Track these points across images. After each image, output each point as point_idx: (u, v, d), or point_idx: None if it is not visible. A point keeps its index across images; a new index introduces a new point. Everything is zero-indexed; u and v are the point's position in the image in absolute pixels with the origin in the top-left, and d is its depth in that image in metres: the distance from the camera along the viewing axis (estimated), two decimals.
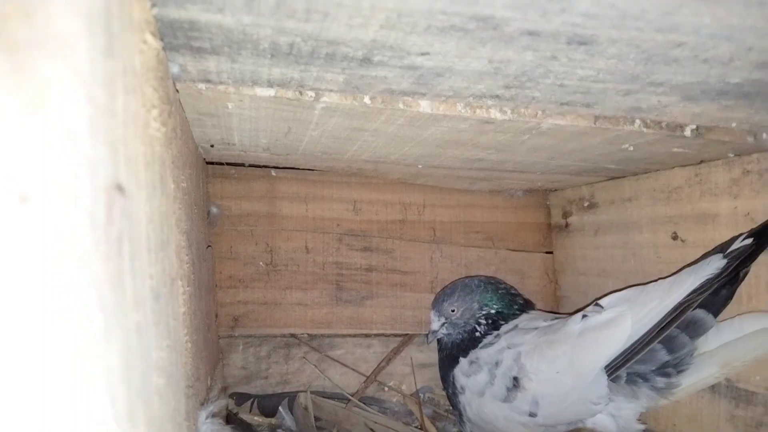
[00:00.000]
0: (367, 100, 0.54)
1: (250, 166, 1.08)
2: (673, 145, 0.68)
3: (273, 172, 1.10)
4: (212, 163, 1.03)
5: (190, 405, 0.47)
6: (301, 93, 0.52)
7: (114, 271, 0.24)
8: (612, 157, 0.76)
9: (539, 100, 0.54)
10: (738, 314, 0.72)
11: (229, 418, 1.00)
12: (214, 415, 0.59)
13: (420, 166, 0.89)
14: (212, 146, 0.77)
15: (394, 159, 0.84)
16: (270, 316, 1.11)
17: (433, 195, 1.17)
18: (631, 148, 0.69)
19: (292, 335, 1.12)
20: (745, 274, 0.69)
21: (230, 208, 1.08)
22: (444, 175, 1.01)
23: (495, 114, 0.58)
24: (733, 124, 0.58)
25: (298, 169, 1.09)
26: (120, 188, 0.25)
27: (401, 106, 0.55)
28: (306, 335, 1.13)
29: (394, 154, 0.80)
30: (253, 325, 1.10)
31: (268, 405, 1.09)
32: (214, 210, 1.06)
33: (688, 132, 0.61)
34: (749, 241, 0.66)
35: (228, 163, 1.06)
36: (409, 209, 1.16)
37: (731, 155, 0.73)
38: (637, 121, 0.59)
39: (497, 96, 0.52)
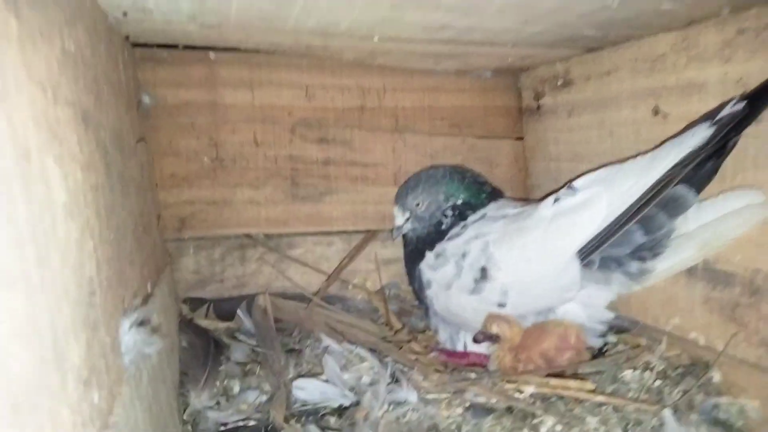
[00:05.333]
0: None
1: (186, 48, 0.95)
2: None
3: (212, 55, 0.98)
4: (140, 45, 0.90)
5: (96, 314, 0.39)
6: None
7: None
8: (592, 19, 0.66)
9: None
10: (721, 191, 0.66)
11: (183, 325, 0.94)
12: (142, 323, 0.52)
13: (376, 39, 0.79)
14: (125, 14, 0.65)
15: (344, 28, 0.73)
16: (220, 216, 1.03)
17: (394, 78, 1.06)
18: (615, 5, 0.59)
19: (247, 236, 1.05)
20: (734, 144, 0.63)
21: (165, 97, 0.97)
22: (405, 53, 0.90)
23: None
24: None
25: (241, 50, 0.96)
26: None
27: None
28: (262, 235, 1.06)
29: (344, 20, 0.69)
30: (202, 227, 1.02)
31: (224, 309, 1.04)
32: (146, 99, 0.94)
33: None
34: (742, 105, 0.59)
35: (158, 45, 0.93)
36: (368, 95, 1.06)
37: (726, 11, 0.64)
38: None
39: None
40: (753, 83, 0.62)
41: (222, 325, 1.01)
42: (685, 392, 0.70)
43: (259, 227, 1.05)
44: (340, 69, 1.04)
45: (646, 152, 0.70)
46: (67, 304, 0.32)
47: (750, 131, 0.62)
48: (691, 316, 0.74)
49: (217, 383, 0.82)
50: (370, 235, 1.10)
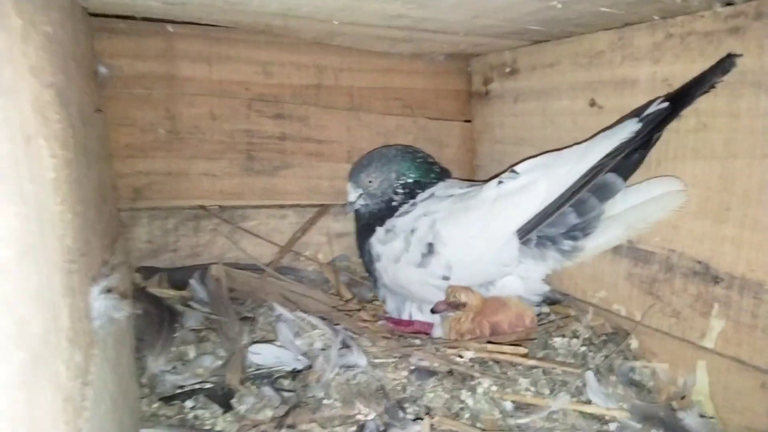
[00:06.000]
0: None
1: (143, 19, 0.95)
2: (602, 3, 0.64)
3: (170, 28, 0.98)
4: (97, 15, 0.89)
5: (74, 281, 0.42)
6: None
7: None
8: (538, 17, 0.72)
9: None
10: (646, 179, 0.74)
11: (137, 293, 0.96)
12: (109, 290, 0.55)
13: (335, 23, 0.81)
14: None
15: (306, 12, 0.75)
16: (175, 188, 1.04)
17: (350, 58, 1.09)
18: (560, 6, 0.64)
19: (201, 207, 1.07)
20: (657, 138, 0.70)
21: (122, 68, 0.96)
22: (362, 35, 0.93)
23: None
24: None
25: (200, 24, 0.97)
26: None
27: None
28: (216, 207, 1.08)
29: (306, 5, 0.72)
30: (157, 197, 1.03)
31: (178, 278, 1.05)
32: (102, 70, 0.94)
33: None
34: (666, 104, 0.66)
35: (116, 15, 0.93)
36: (324, 73, 1.09)
37: (656, 17, 0.70)
38: None
39: None
40: (677, 83, 0.69)
41: (176, 293, 1.04)
42: (606, 357, 0.78)
43: (213, 199, 1.07)
44: (298, 47, 1.05)
45: (581, 142, 0.77)
46: (57, 272, 0.35)
47: (671, 126, 0.70)
48: (614, 290, 0.82)
49: (173, 349, 0.84)
50: (323, 210, 1.14)
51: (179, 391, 0.74)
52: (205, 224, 1.07)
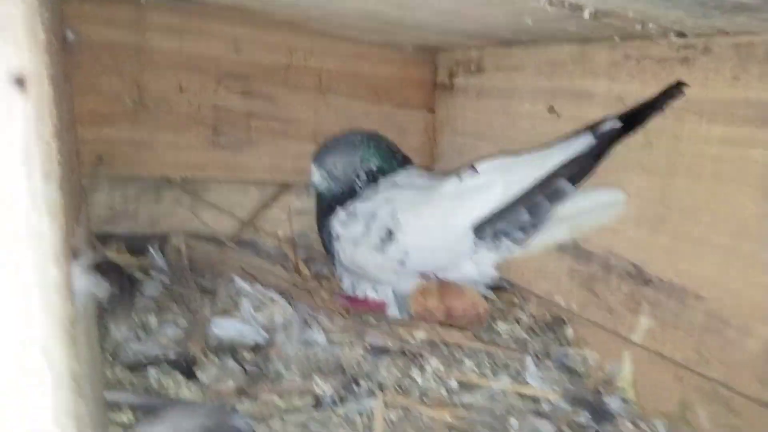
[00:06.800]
0: None
1: None
2: (569, 24, 0.69)
3: None
4: None
5: (61, 254, 0.44)
6: None
7: None
8: (510, 28, 0.76)
9: None
10: (594, 186, 0.81)
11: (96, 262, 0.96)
12: (89, 268, 0.57)
13: (313, 11, 0.83)
14: None
15: (285, 1, 0.77)
16: (139, 157, 1.04)
17: (322, 41, 1.11)
18: (531, 22, 0.69)
19: (164, 178, 1.07)
20: (608, 153, 0.76)
21: (90, 34, 0.95)
22: (336, 23, 0.95)
23: None
24: (630, 14, 0.60)
25: None
26: None
27: None
28: (179, 178, 1.08)
29: None
30: (120, 166, 1.03)
31: (136, 245, 1.06)
32: (70, 35, 0.92)
33: (586, 14, 0.62)
34: (619, 124, 0.72)
35: None
36: (295, 54, 1.10)
37: (617, 39, 0.76)
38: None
39: None
40: (629, 101, 0.75)
41: (134, 260, 1.05)
42: (544, 343, 0.86)
43: (177, 170, 1.07)
44: (270, 26, 1.06)
45: (539, 147, 0.82)
46: (50, 247, 0.38)
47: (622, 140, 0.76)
48: (557, 283, 0.90)
49: (134, 317, 0.86)
50: (285, 187, 1.16)
51: (143, 359, 0.77)
52: (167, 194, 1.08)
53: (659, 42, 0.72)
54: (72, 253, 0.56)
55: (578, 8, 0.62)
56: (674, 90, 0.69)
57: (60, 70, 0.73)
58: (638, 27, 0.66)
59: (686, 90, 0.68)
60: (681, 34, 0.68)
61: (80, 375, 0.46)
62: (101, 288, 0.57)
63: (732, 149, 0.64)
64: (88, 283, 0.55)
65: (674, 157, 0.70)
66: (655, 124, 0.72)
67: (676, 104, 0.69)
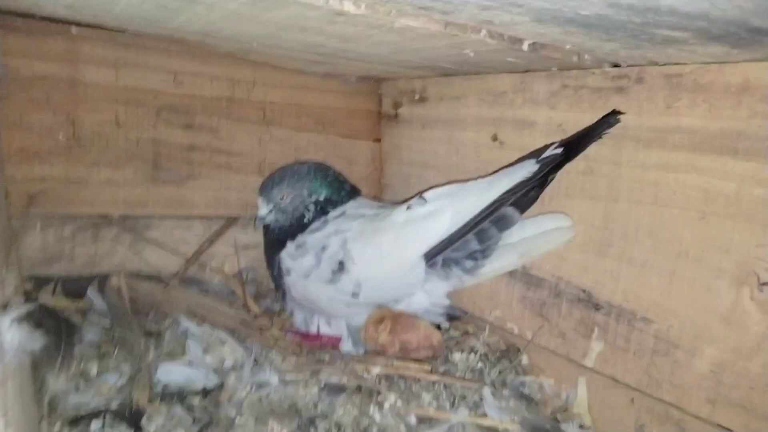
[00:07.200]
0: None
1: (43, 19, 0.90)
2: (509, 56, 0.70)
3: (74, 30, 0.93)
4: None
5: None
6: None
7: None
8: (451, 59, 0.77)
9: (398, 0, 0.51)
10: (540, 213, 0.82)
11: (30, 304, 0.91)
12: (20, 320, 0.53)
13: (255, 44, 0.82)
14: None
15: (227, 35, 0.76)
16: (75, 195, 0.99)
17: (264, 73, 1.10)
18: (472, 54, 0.70)
19: (102, 215, 1.03)
20: (552, 179, 0.78)
21: (18, 68, 0.91)
22: (279, 55, 0.94)
23: (349, 7, 0.54)
24: (567, 46, 0.62)
25: (106, 29, 0.93)
26: None
27: None
28: (118, 216, 1.04)
29: (228, 29, 0.72)
30: (53, 204, 0.98)
31: (73, 288, 1.01)
32: None
33: (525, 46, 0.63)
34: (560, 150, 0.74)
35: (13, 12, 0.87)
36: (237, 86, 1.08)
37: (554, 69, 0.78)
38: (483, 32, 0.60)
39: None
40: (570, 129, 0.78)
41: (71, 304, 0.99)
42: (500, 372, 0.86)
43: (116, 208, 1.03)
44: (211, 59, 1.04)
45: (485, 176, 0.83)
46: None
47: (564, 168, 0.78)
48: (509, 310, 0.90)
49: (74, 365, 0.81)
50: (230, 221, 1.13)
51: (84, 412, 0.72)
52: (105, 233, 1.04)
53: (594, 72, 0.74)
54: (1, 306, 0.53)
55: (518, 41, 0.63)
56: (610, 118, 0.71)
57: None
58: (575, 58, 0.68)
59: (622, 118, 0.71)
60: (615, 65, 0.71)
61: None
62: (35, 340, 0.53)
63: (669, 174, 0.67)
64: (20, 336, 0.51)
65: (615, 183, 0.73)
66: (595, 150, 0.74)
67: (614, 131, 0.72)
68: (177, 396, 0.77)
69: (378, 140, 1.23)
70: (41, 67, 0.93)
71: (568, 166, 0.76)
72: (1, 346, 0.48)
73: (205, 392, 0.78)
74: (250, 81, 1.09)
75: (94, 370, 0.81)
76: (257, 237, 1.11)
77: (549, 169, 0.75)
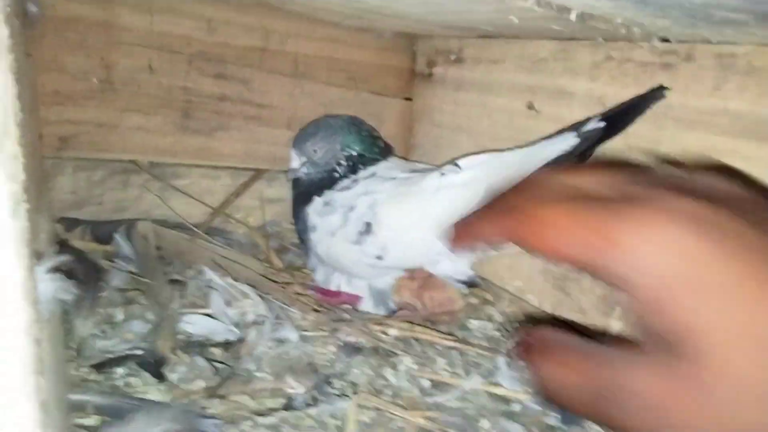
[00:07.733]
0: None
1: None
2: (554, 24, 0.67)
3: None
4: None
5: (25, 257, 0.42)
6: None
7: None
8: (494, 23, 0.75)
9: None
10: None
11: (59, 246, 0.93)
12: (56, 270, 0.54)
13: None
14: None
15: None
16: (105, 140, 1.00)
17: (299, 24, 1.07)
18: (516, 21, 0.67)
19: (132, 161, 1.04)
20: (590, 155, 0.75)
21: (54, 7, 0.90)
22: (316, 7, 0.92)
23: None
24: (618, 19, 0.59)
25: None
26: None
27: None
28: (147, 162, 1.05)
29: None
30: (84, 148, 0.99)
31: (102, 232, 1.03)
32: (32, 8, 0.87)
33: (573, 16, 0.60)
34: (603, 124, 0.71)
35: None
36: (271, 37, 1.06)
37: (600, 39, 0.75)
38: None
39: None
40: (609, 104, 0.75)
41: (99, 247, 1.01)
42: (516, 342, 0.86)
43: (145, 155, 1.04)
44: (246, 7, 1.02)
45: (521, 146, 0.81)
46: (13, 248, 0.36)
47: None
48: (530, 282, 0.90)
49: (100, 310, 0.84)
50: (257, 174, 1.13)
51: (109, 357, 0.74)
52: (135, 179, 1.05)
53: (642, 45, 0.71)
54: (36, 256, 0.53)
55: (566, 10, 0.60)
56: (656, 93, 0.68)
57: (21, 45, 0.69)
58: (623, 30, 0.65)
59: (667, 95, 0.68)
60: (665, 39, 0.68)
61: (45, 389, 0.44)
62: (67, 290, 0.54)
63: (710, 158, 0.64)
64: (54, 287, 0.52)
65: None
66: (634, 128, 0.71)
67: (656, 109, 0.69)
68: (199, 346, 0.79)
69: (409, 99, 1.20)
70: (77, 8, 0.92)
71: (608, 142, 0.74)
72: (37, 299, 0.49)
73: (226, 344, 0.80)
74: (284, 32, 1.06)
75: (119, 316, 0.83)
76: (283, 191, 1.11)
77: (589, 144, 0.73)
